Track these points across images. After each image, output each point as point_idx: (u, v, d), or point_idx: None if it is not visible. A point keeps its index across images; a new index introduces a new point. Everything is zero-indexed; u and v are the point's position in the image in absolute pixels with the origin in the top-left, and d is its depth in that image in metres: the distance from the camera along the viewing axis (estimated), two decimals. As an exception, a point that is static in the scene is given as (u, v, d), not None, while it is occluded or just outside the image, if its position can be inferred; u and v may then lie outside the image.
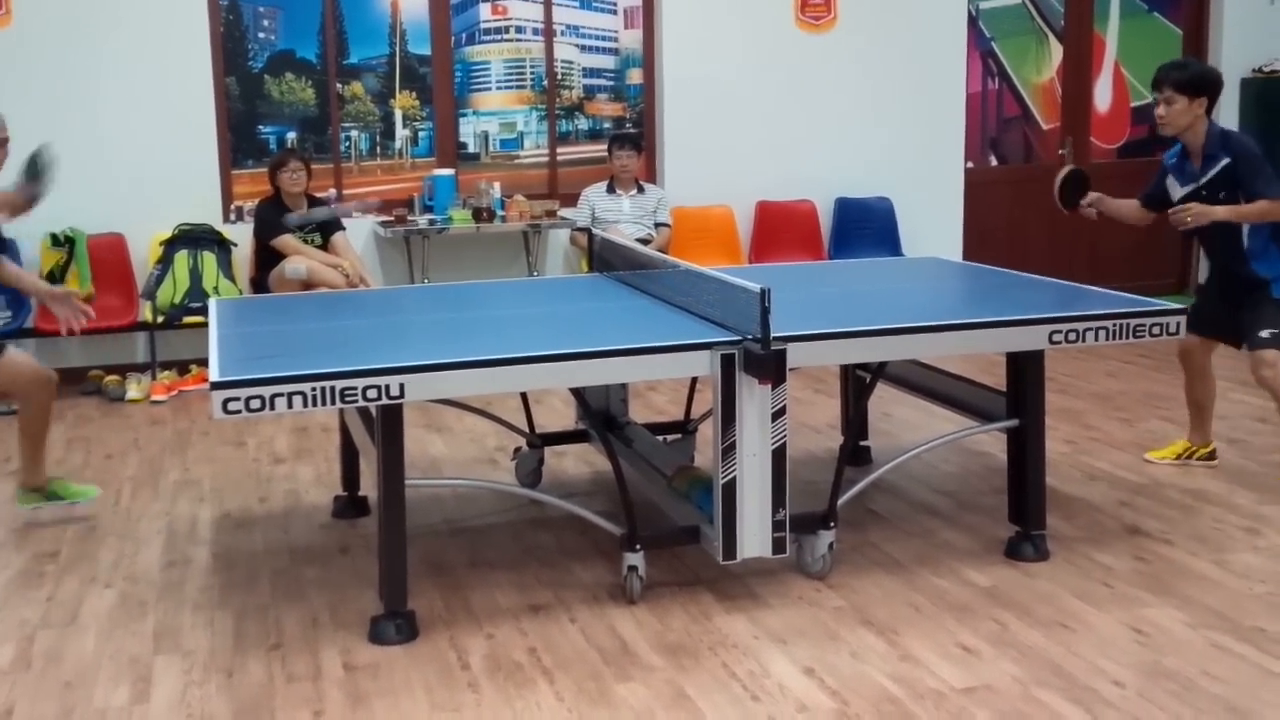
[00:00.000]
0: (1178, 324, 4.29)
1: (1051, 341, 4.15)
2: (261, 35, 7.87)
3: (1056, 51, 9.31)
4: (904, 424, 6.07)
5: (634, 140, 7.98)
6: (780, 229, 8.46)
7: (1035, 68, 9.29)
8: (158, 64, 7.44)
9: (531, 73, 8.34)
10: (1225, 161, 4.92)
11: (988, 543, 4.50)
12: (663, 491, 4.37)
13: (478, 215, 7.71)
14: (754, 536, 3.89)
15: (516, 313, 4.76)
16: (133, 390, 7.03)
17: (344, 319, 4.73)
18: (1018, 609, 3.94)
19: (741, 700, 3.40)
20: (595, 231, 5.91)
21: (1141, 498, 4.99)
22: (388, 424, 3.73)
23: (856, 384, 5.21)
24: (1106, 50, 9.42)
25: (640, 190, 7.92)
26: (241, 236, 7.53)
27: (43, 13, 7.25)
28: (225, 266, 7.41)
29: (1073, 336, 4.16)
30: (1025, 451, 4.36)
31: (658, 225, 7.88)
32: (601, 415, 4.92)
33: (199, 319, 6.90)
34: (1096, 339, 4.19)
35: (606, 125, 8.48)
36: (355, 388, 3.51)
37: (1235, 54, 9.27)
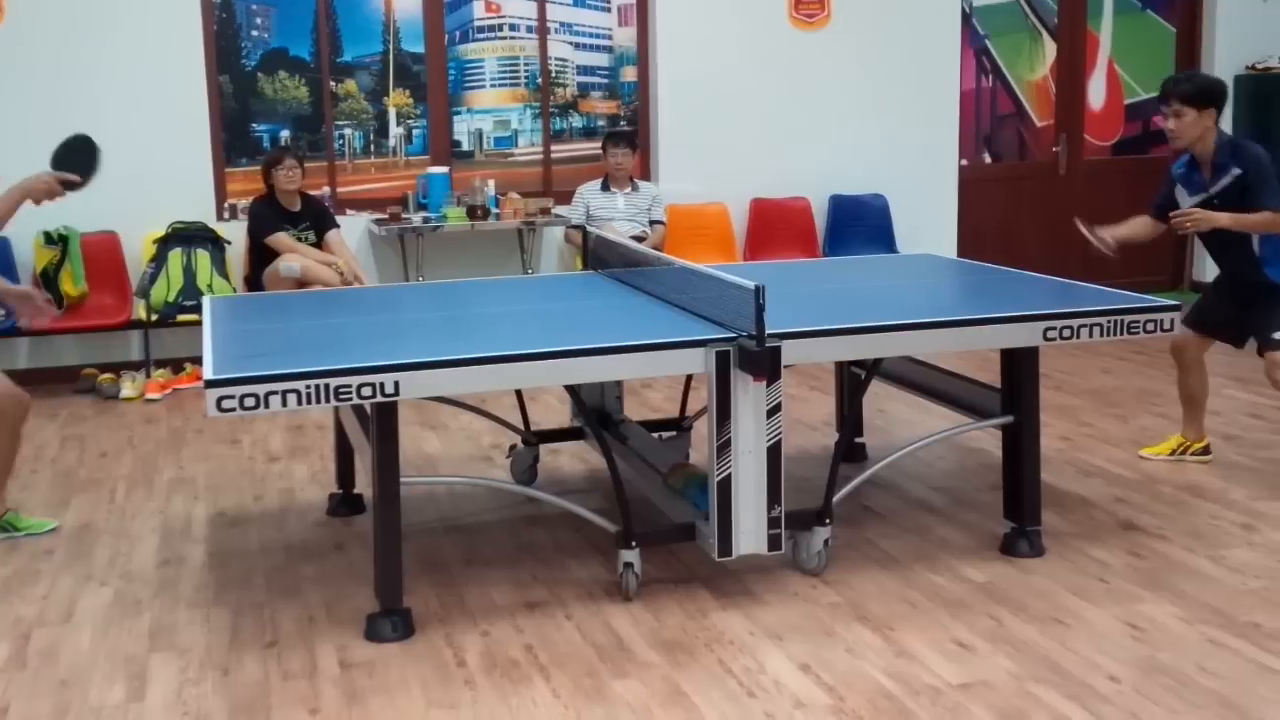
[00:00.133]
0: (1172, 320, 4.29)
1: (1046, 338, 4.16)
2: (255, 33, 7.86)
3: (1050, 49, 9.32)
4: (899, 421, 6.08)
5: (628, 138, 7.98)
6: (775, 226, 8.47)
7: (1029, 65, 9.30)
8: (151, 62, 7.44)
9: (525, 70, 8.33)
10: (1237, 173, 4.89)
11: (983, 539, 4.50)
12: (658, 489, 4.37)
13: (472, 213, 7.71)
14: (749, 533, 3.89)
15: (511, 310, 4.75)
16: (127, 388, 7.02)
17: (338, 317, 4.73)
18: (1013, 605, 3.95)
19: (737, 696, 3.40)
20: (590, 229, 5.91)
21: (1136, 493, 5.00)
22: (383, 422, 3.73)
23: (851, 381, 5.21)
24: (1100, 47, 9.43)
25: (635, 188, 7.92)
26: (235, 234, 7.52)
27: (37, 11, 7.23)
28: (219, 264, 7.40)
29: (1067, 333, 4.16)
30: (1020, 448, 4.37)
31: (652, 223, 7.88)
32: (596, 413, 4.92)
33: (193, 317, 6.89)
34: (1091, 335, 4.20)
35: (601, 123, 8.48)
36: (350, 386, 3.50)
37: (1229, 51, 9.29)
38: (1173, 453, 5.38)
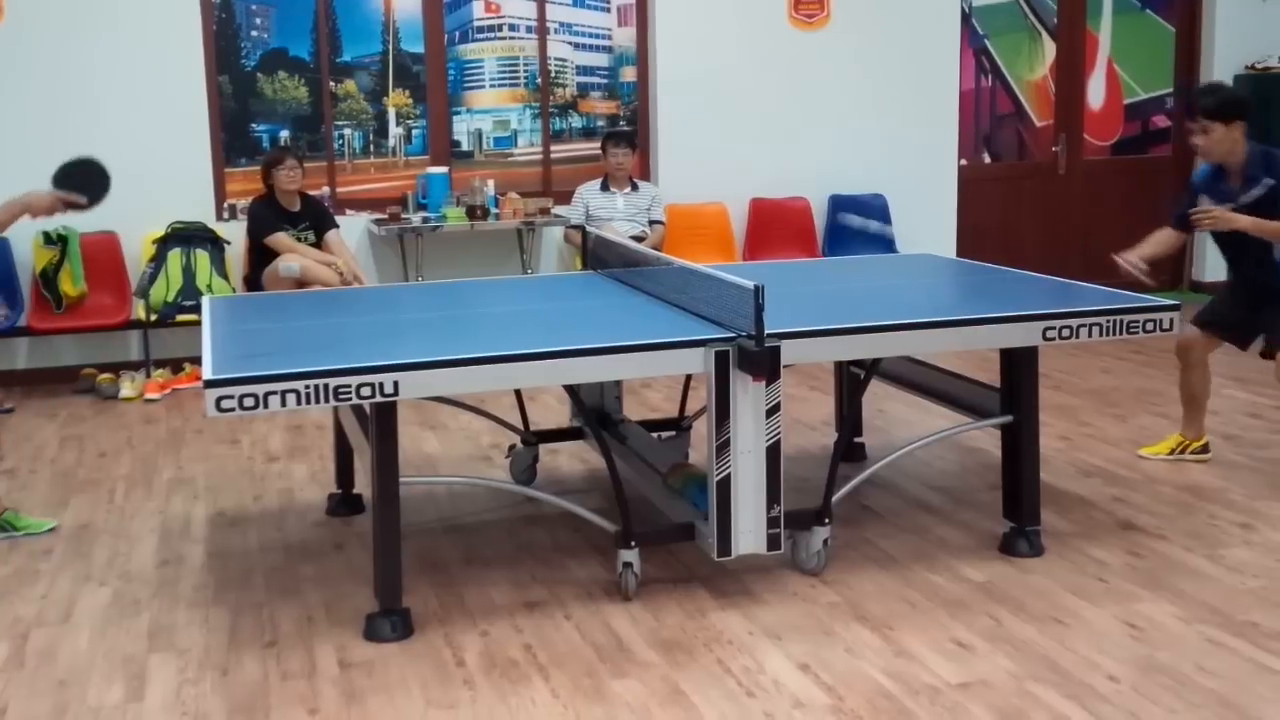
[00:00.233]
0: (1171, 320, 4.29)
1: (1045, 338, 4.16)
2: (254, 33, 7.86)
3: (1050, 48, 9.32)
4: (898, 420, 6.08)
5: (628, 138, 7.98)
6: (774, 226, 8.46)
7: (1028, 65, 9.30)
8: (151, 62, 7.44)
9: (525, 70, 8.33)
10: (1270, 183, 4.86)
11: (982, 538, 4.51)
12: (657, 488, 4.37)
13: (471, 213, 7.71)
14: (749, 533, 3.89)
15: (510, 310, 4.75)
16: (126, 388, 7.02)
17: (338, 317, 4.73)
18: (1012, 604, 3.95)
19: (736, 696, 3.40)
20: (589, 229, 5.91)
21: (1135, 493, 5.00)
22: (382, 422, 3.73)
23: (851, 380, 5.21)
24: (1099, 47, 9.43)
25: (634, 188, 7.92)
26: (235, 234, 7.51)
27: (36, 10, 7.23)
28: (219, 264, 7.40)
29: (1066, 333, 4.16)
30: (1019, 447, 4.37)
31: (652, 223, 7.88)
32: (596, 412, 4.92)
33: (192, 317, 6.89)
34: (1090, 335, 4.20)
35: (600, 123, 8.48)
36: (349, 385, 3.51)
37: (1227, 51, 9.29)
38: (1171, 452, 5.39)
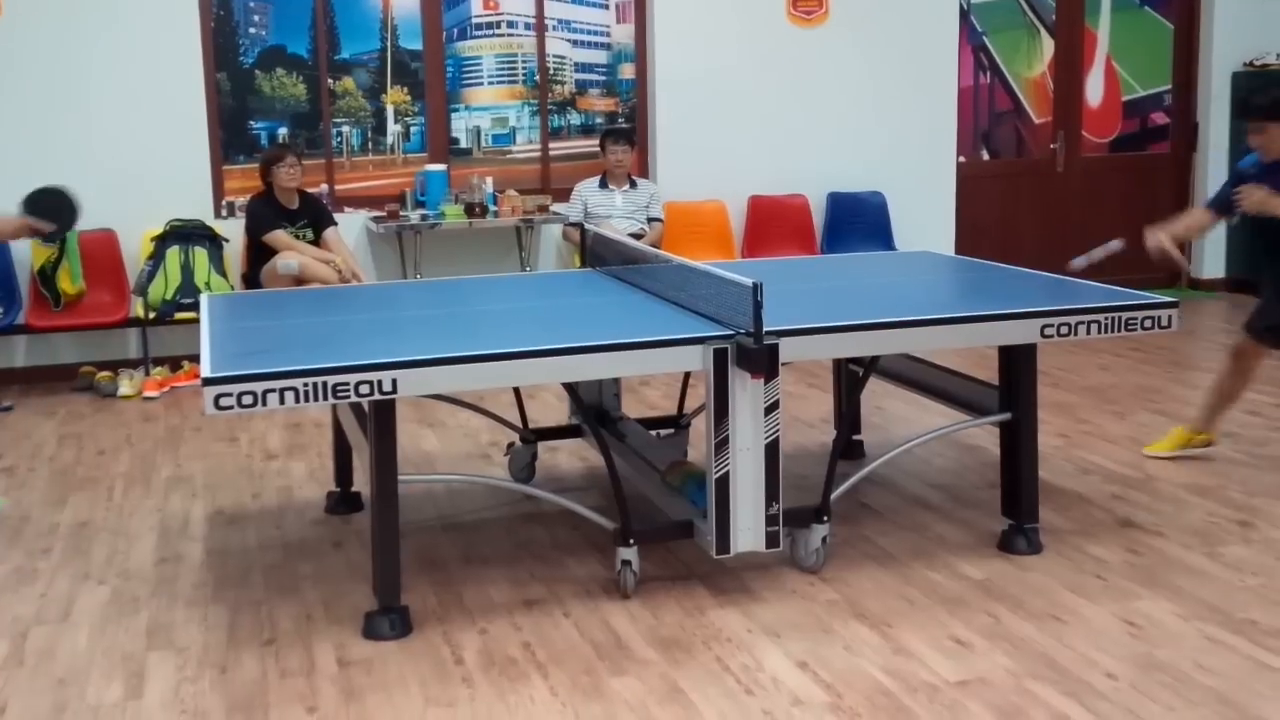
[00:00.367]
0: (1169, 317, 4.28)
1: (1043, 335, 4.16)
2: (252, 30, 7.86)
3: (1048, 46, 9.32)
4: (897, 418, 6.08)
5: (627, 135, 7.98)
6: (773, 223, 8.47)
7: (1027, 62, 9.30)
8: (149, 59, 7.43)
9: (523, 68, 8.33)
10: None
11: (981, 536, 4.51)
12: (656, 486, 4.37)
13: (470, 210, 7.71)
14: (747, 531, 3.89)
15: (509, 308, 4.75)
16: (125, 386, 7.02)
17: (336, 314, 4.73)
18: (1011, 602, 3.95)
19: (735, 694, 3.40)
20: (588, 226, 5.91)
21: (1134, 491, 5.00)
22: (380, 419, 3.73)
23: (849, 378, 5.21)
24: (1098, 44, 9.43)
25: (633, 185, 7.92)
26: (233, 232, 7.51)
27: (34, 7, 7.23)
28: (217, 262, 7.40)
29: (1064, 330, 4.16)
30: (1018, 445, 4.37)
31: (650, 220, 7.88)
32: (594, 410, 4.92)
33: (191, 315, 6.89)
34: (1088, 332, 4.20)
35: (599, 120, 8.48)
36: (348, 383, 3.50)
37: (1226, 48, 9.30)
38: (1177, 449, 5.36)
